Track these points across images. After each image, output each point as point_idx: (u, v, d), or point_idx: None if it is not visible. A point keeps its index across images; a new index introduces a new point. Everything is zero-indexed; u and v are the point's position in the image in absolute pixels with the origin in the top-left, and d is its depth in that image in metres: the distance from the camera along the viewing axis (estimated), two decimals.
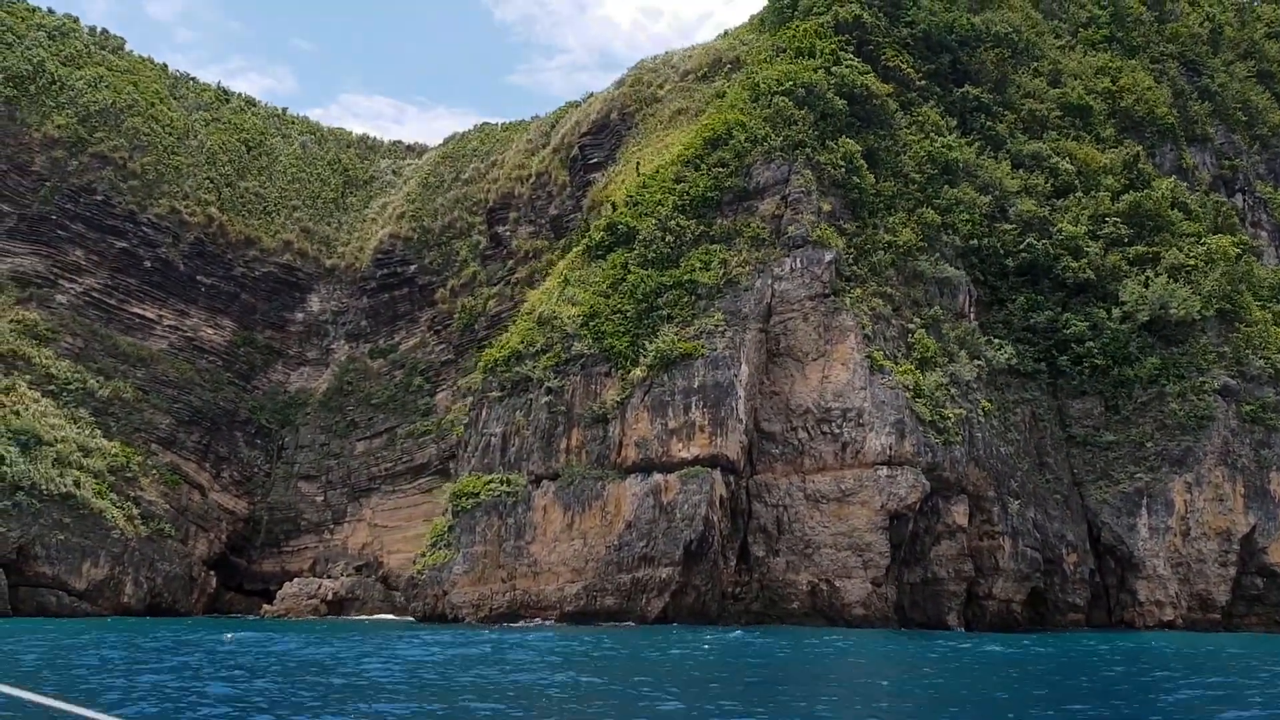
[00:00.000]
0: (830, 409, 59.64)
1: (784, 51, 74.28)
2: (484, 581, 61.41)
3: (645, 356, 60.22)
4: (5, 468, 78.29)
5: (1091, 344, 66.85)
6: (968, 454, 60.91)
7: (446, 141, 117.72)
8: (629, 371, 60.94)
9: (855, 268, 63.13)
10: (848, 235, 64.16)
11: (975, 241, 69.40)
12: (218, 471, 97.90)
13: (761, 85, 68.82)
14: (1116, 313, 67.48)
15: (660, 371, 59.66)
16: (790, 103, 67.17)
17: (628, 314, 62.76)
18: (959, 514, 60.09)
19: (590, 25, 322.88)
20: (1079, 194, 74.21)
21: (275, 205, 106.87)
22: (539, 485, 61.70)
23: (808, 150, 65.50)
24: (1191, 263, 69.18)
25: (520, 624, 58.50)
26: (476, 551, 61.65)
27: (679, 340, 59.58)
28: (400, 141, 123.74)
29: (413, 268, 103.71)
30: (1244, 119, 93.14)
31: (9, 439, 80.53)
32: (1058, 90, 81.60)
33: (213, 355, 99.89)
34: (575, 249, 71.26)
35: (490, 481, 62.64)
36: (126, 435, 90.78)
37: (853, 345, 60.10)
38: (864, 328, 60.63)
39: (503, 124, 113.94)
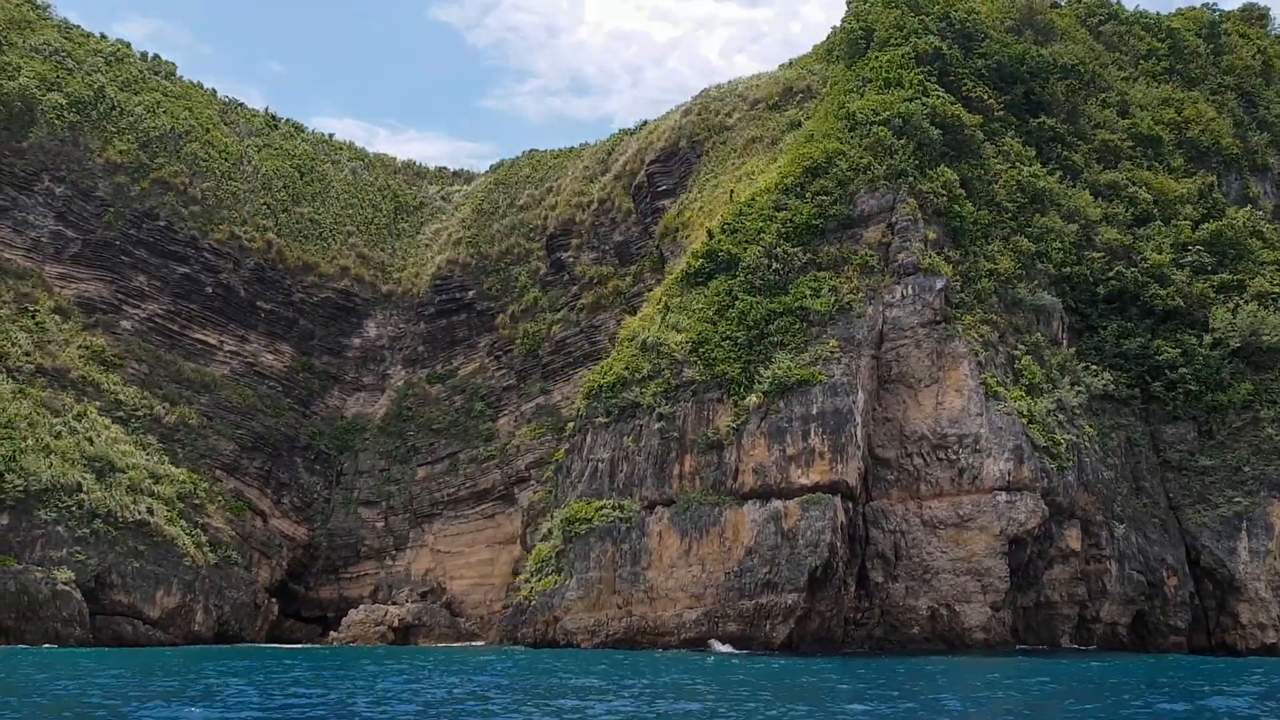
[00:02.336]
0: (946, 435, 60.35)
1: (870, 82, 75.35)
2: (599, 607, 61.53)
3: (760, 383, 60.77)
4: (83, 495, 77.90)
5: (1184, 370, 68.02)
6: (1078, 479, 61.77)
7: (495, 169, 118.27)
8: (743, 398, 61.44)
9: (962, 295, 64.04)
10: (953, 263, 65.14)
11: (1067, 269, 70.51)
12: (278, 498, 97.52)
13: (858, 115, 69.84)
14: (1207, 339, 68.71)
15: (776, 398, 60.20)
16: (889, 132, 68.21)
17: (738, 340, 63.32)
18: (1072, 538, 60.90)
19: (561, 50, 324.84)
20: (1158, 222, 75.54)
21: (330, 231, 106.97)
22: (653, 511, 61.99)
23: (910, 179, 66.54)
24: (1276, 290, 70.55)
25: (647, 649, 58.63)
26: (591, 577, 61.79)
27: (795, 367, 60.13)
28: (445, 168, 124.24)
29: (471, 293, 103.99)
30: None
31: (84, 466, 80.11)
32: (1127, 120, 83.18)
33: (272, 381, 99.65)
34: (671, 276, 71.78)
35: (602, 507, 62.86)
36: (192, 462, 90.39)
37: (966, 372, 60.90)
38: (976, 354, 61.50)
39: (553, 151, 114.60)
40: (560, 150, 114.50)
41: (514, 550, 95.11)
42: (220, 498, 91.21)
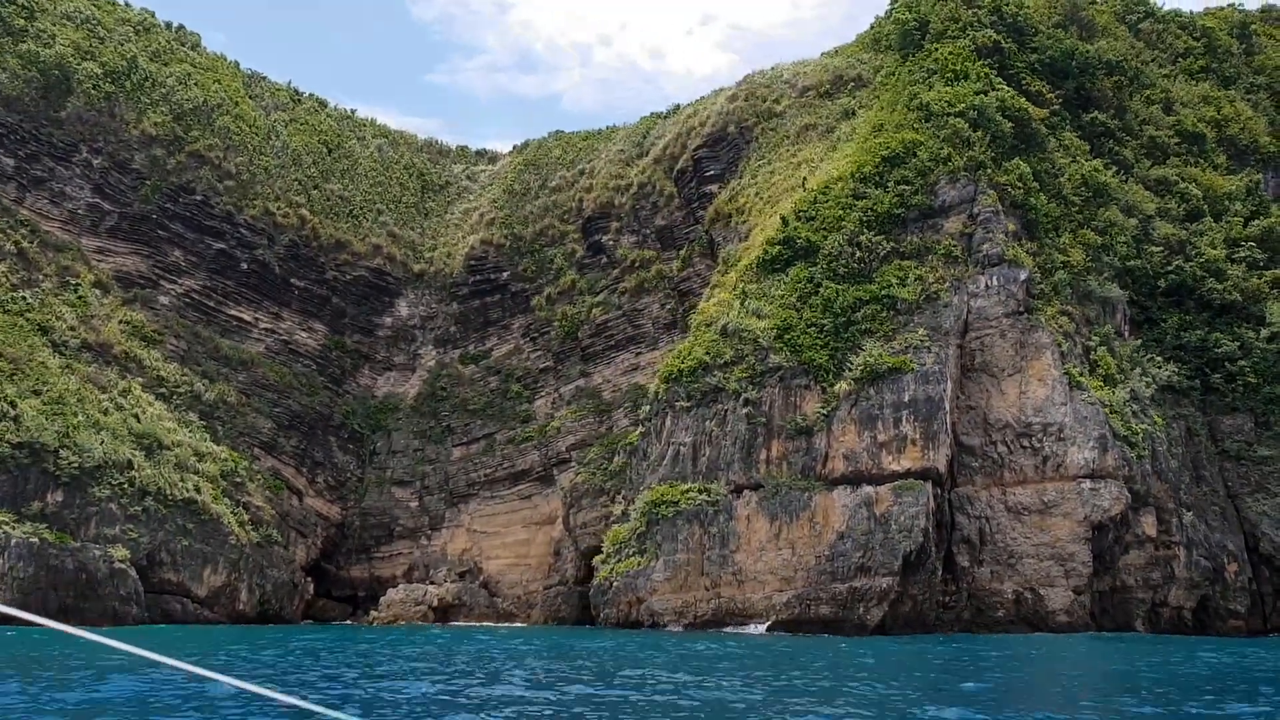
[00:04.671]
0: (1031, 424, 61.75)
1: (935, 74, 76.30)
2: (686, 589, 62.24)
3: (851, 370, 61.69)
4: (134, 472, 76.99)
5: (1243, 363, 70.04)
6: (1152, 467, 63.54)
7: (520, 149, 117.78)
8: (832, 384, 62.33)
9: (1041, 286, 65.38)
10: (1031, 254, 66.42)
11: (1130, 263, 72.20)
12: (313, 476, 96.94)
13: (933, 106, 70.75)
14: (1264, 333, 70.75)
15: (867, 385, 61.19)
16: (965, 124, 69.26)
17: (824, 327, 64.15)
18: (1148, 524, 62.67)
19: (511, 27, 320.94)
20: (1208, 219, 77.49)
21: (361, 209, 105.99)
22: (740, 495, 62.74)
23: (988, 171, 67.64)
24: None
25: (735, 630, 59.48)
26: (679, 560, 62.45)
27: (886, 354, 61.11)
28: (467, 147, 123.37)
29: (505, 274, 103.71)
30: None
31: (133, 443, 79.13)
32: (1172, 117, 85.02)
33: (306, 359, 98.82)
34: (744, 262, 72.34)
35: (688, 490, 63.49)
36: (232, 440, 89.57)
37: (1049, 362, 62.31)
38: (1059, 345, 62.94)
39: (580, 133, 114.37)
40: (588, 132, 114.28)
41: (551, 531, 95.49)
42: (259, 476, 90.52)
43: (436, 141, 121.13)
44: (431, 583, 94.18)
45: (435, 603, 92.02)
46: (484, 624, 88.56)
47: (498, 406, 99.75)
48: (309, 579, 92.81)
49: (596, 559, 68.87)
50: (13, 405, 72.04)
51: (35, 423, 72.38)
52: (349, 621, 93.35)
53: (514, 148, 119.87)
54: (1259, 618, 67.96)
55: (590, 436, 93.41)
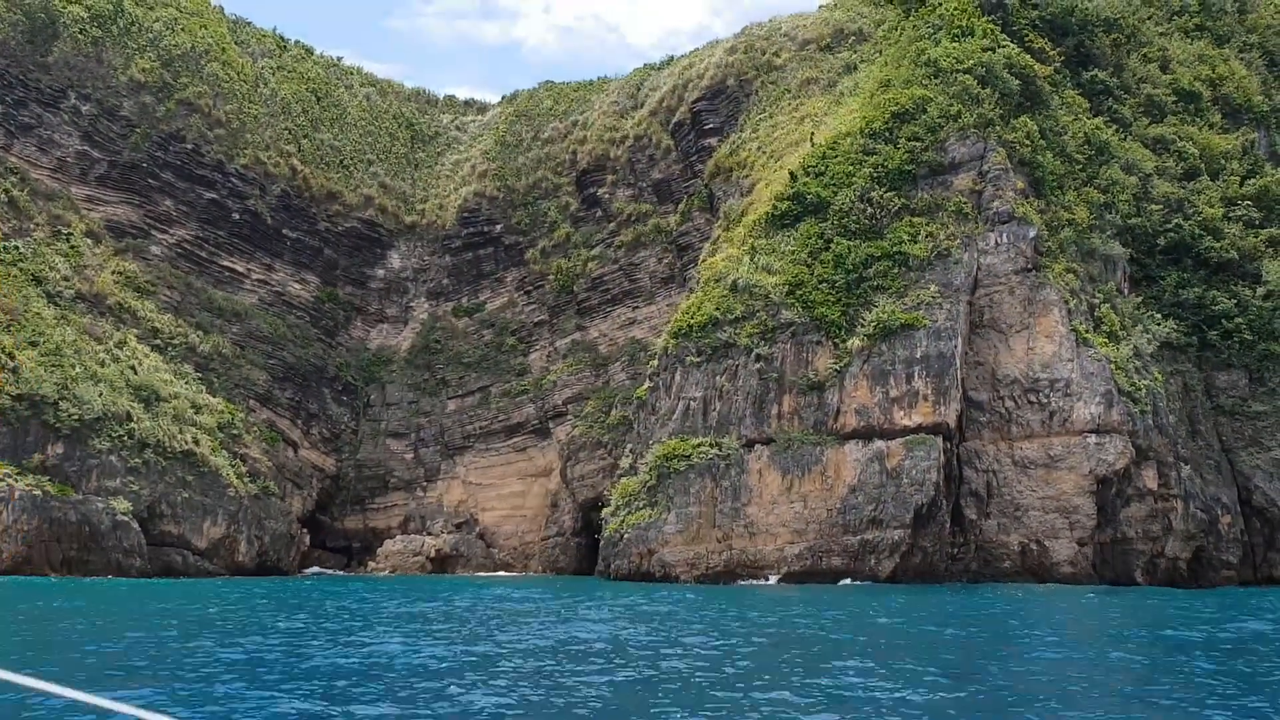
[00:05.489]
0: (1038, 379, 62.79)
1: (940, 29, 76.34)
2: (698, 541, 63.04)
3: (863, 326, 62.29)
4: (133, 424, 76.44)
5: (1239, 320, 71.39)
6: (1154, 422, 64.89)
7: (509, 99, 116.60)
8: (843, 340, 62.95)
9: (1048, 243, 66.16)
10: (1038, 212, 67.09)
11: (1131, 221, 73.13)
12: (308, 428, 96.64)
13: (941, 62, 70.89)
14: (1260, 290, 72.10)
15: (879, 341, 61.86)
16: (973, 80, 69.52)
17: (835, 284, 64.63)
18: (1149, 478, 64.11)
19: None
20: (1204, 177, 78.49)
21: (351, 159, 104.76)
22: (752, 449, 63.42)
23: (997, 128, 68.07)
24: None
25: (748, 583, 60.45)
26: (690, 512, 63.16)
27: (898, 311, 61.75)
28: (454, 96, 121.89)
29: (499, 227, 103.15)
30: None
31: (131, 395, 78.49)
32: (1169, 76, 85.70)
33: (300, 311, 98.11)
34: (751, 216, 72.48)
35: (700, 445, 64.06)
36: (227, 391, 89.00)
37: (1057, 318, 63.26)
38: (1066, 302, 63.85)
39: (571, 84, 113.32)
40: (579, 83, 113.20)
41: (547, 483, 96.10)
42: (255, 428, 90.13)
43: (424, 91, 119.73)
44: (429, 534, 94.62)
45: (433, 554, 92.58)
46: (481, 574, 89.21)
47: (492, 360, 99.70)
48: (304, 530, 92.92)
49: (605, 511, 69.47)
50: (11, 356, 71.14)
51: (34, 374, 71.59)
52: (340, 572, 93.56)
53: (503, 98, 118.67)
54: (1250, 568, 69.99)
55: (587, 390, 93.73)
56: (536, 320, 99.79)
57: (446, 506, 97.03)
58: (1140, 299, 71.38)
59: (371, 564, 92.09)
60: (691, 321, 67.83)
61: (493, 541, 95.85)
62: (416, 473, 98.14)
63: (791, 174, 70.65)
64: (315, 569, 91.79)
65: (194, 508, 79.67)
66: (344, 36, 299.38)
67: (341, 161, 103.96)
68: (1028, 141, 68.90)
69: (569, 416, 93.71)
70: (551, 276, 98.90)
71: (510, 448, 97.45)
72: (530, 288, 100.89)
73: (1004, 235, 64.57)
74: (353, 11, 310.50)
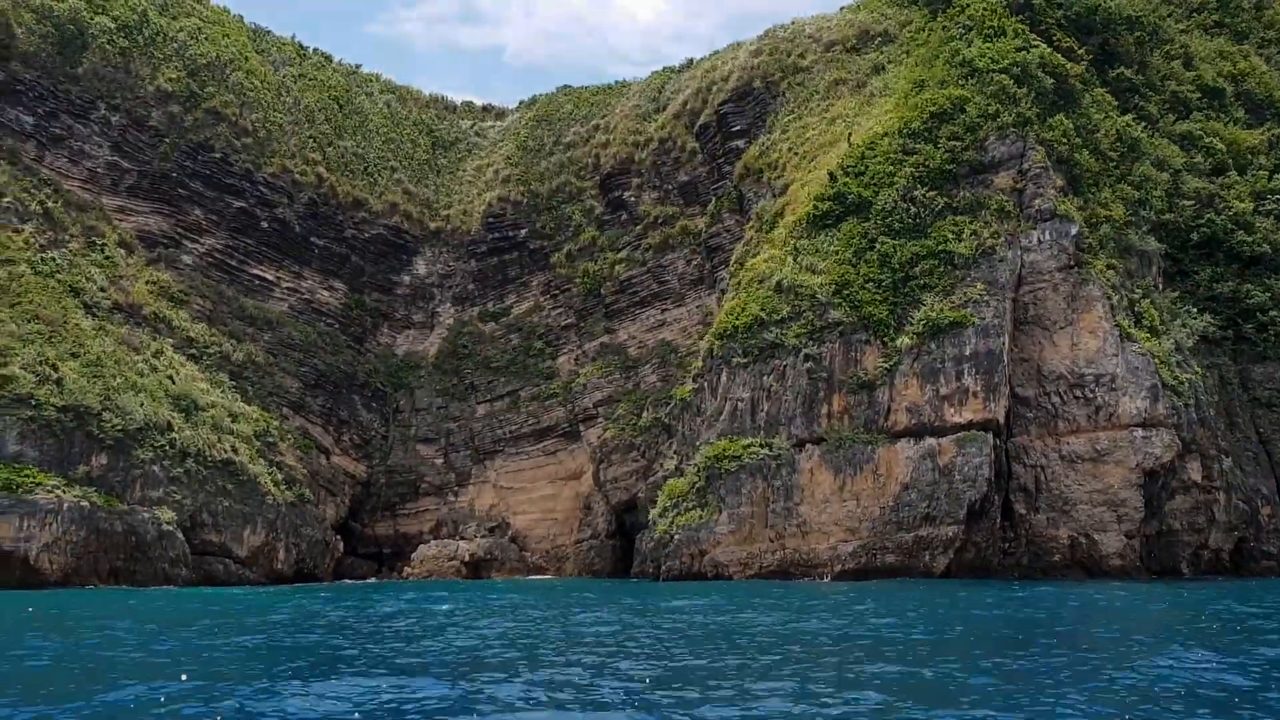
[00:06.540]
0: (1083, 375, 63.49)
1: (970, 30, 77.07)
2: (751, 541, 63.59)
3: (912, 325, 62.93)
4: (174, 434, 76.72)
5: (1274, 313, 72.29)
6: (1196, 415, 65.69)
7: (528, 104, 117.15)
8: (892, 339, 63.58)
9: (1089, 240, 66.92)
10: (1079, 209, 67.86)
11: (1165, 217, 73.96)
12: (339, 435, 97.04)
13: (977, 63, 71.60)
14: None
15: (928, 339, 62.49)
16: (1010, 80, 70.27)
17: (882, 283, 65.26)
18: (1194, 470, 64.88)
19: None
20: (1233, 173, 79.39)
21: (375, 167, 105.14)
22: (803, 449, 63.98)
23: (1035, 127, 68.82)
24: None
25: (802, 581, 61.02)
26: (743, 512, 63.71)
27: (947, 309, 62.42)
28: (472, 102, 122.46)
29: (524, 231, 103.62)
30: None
31: (170, 404, 78.75)
32: (1192, 72, 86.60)
33: (329, 318, 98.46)
34: (790, 217, 73.09)
35: (750, 445, 64.61)
36: (261, 400, 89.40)
37: (1101, 314, 63.96)
38: (1109, 297, 64.56)
39: (590, 88, 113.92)
40: (598, 87, 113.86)
41: (578, 486, 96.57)
42: (290, 436, 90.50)
43: (443, 97, 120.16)
44: (462, 538, 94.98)
45: (467, 558, 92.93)
46: (517, 577, 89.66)
47: (520, 364, 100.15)
48: (338, 537, 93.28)
49: (651, 513, 69.95)
50: (54, 368, 71.34)
51: (77, 385, 71.81)
52: (373, 579, 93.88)
53: (521, 103, 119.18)
54: None
55: (617, 393, 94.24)
56: (564, 324, 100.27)
57: (478, 511, 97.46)
58: (1176, 294, 72.20)
59: (406, 569, 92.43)
60: (736, 322, 68.38)
61: (525, 545, 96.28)
62: (447, 477, 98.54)
63: (830, 174, 71.26)
64: (340, 577, 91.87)
65: (234, 516, 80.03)
66: (324, 41, 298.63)
67: (365, 169, 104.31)
68: (1064, 140, 69.66)
69: (599, 419, 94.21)
70: (578, 280, 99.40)
71: (540, 451, 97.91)
72: (556, 291, 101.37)
73: (1046, 233, 65.30)
74: (333, 16, 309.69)
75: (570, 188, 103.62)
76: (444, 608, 44.46)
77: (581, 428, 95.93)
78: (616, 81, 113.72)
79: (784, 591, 51.39)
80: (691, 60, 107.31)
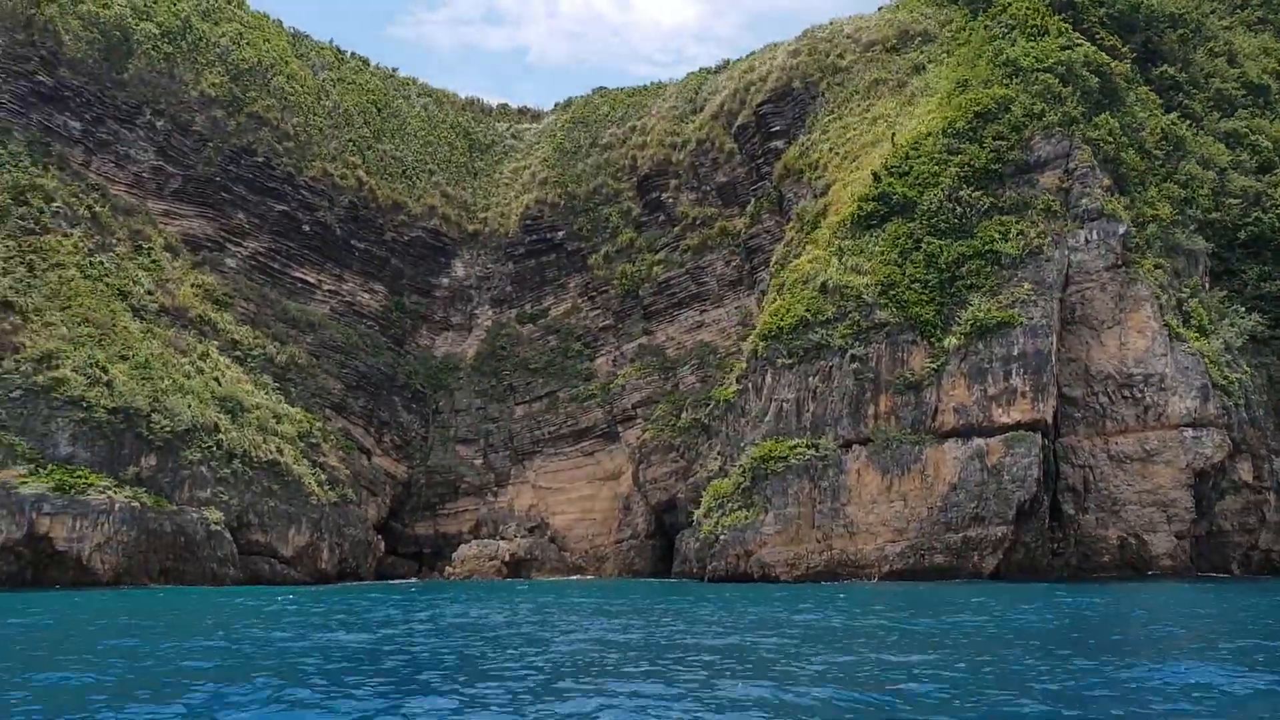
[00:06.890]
0: (1132, 374, 63.18)
1: (1012, 29, 76.83)
2: (798, 542, 63.59)
3: (959, 325, 62.77)
4: (221, 435, 77.44)
5: None
6: (1247, 415, 65.24)
7: (563, 106, 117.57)
8: (939, 339, 63.45)
9: (1136, 239, 66.58)
10: (1126, 209, 67.51)
11: (1212, 215, 73.45)
12: (380, 436, 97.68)
13: (1022, 62, 71.37)
14: None
15: (976, 339, 62.31)
16: (1055, 79, 70.00)
17: (929, 283, 65.14)
18: (1245, 470, 64.47)
19: None
20: (1279, 171, 78.72)
21: (413, 170, 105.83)
22: (849, 450, 63.95)
23: (1080, 126, 68.52)
24: None
25: (849, 581, 60.99)
26: (789, 513, 63.72)
27: (994, 309, 62.23)
28: (508, 104, 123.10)
29: (561, 233, 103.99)
30: None
31: (217, 406, 79.50)
32: (1236, 69, 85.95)
33: (369, 320, 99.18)
34: (833, 218, 73.06)
35: (796, 446, 64.61)
36: (305, 401, 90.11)
37: (1149, 314, 63.63)
38: (1157, 297, 64.21)
39: (626, 90, 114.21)
40: (633, 89, 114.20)
41: (617, 486, 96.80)
42: (332, 436, 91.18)
43: (478, 100, 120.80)
44: (502, 538, 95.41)
45: (507, 558, 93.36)
46: (557, 577, 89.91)
47: (558, 365, 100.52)
48: (379, 537, 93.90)
49: (696, 513, 70.07)
50: (104, 370, 72.18)
51: (127, 387, 72.63)
52: (414, 580, 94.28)
53: (557, 105, 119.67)
54: None
55: (656, 394, 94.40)
56: (601, 325, 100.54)
57: (517, 511, 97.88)
58: (1223, 293, 71.68)
59: (448, 569, 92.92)
60: (781, 323, 68.42)
61: (564, 545, 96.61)
62: (486, 478, 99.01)
63: (875, 174, 71.18)
64: (380, 577, 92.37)
65: (279, 516, 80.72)
66: (347, 43, 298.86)
67: (404, 172, 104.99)
68: (1110, 139, 69.36)
69: (638, 420, 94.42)
70: (615, 281, 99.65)
71: (579, 452, 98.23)
72: (594, 293, 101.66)
73: (1094, 232, 65.03)
74: (356, 18, 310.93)
75: (607, 189, 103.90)
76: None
77: (620, 429, 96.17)
78: (651, 83, 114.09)
79: (871, 592, 51.18)
80: (728, 61, 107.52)
